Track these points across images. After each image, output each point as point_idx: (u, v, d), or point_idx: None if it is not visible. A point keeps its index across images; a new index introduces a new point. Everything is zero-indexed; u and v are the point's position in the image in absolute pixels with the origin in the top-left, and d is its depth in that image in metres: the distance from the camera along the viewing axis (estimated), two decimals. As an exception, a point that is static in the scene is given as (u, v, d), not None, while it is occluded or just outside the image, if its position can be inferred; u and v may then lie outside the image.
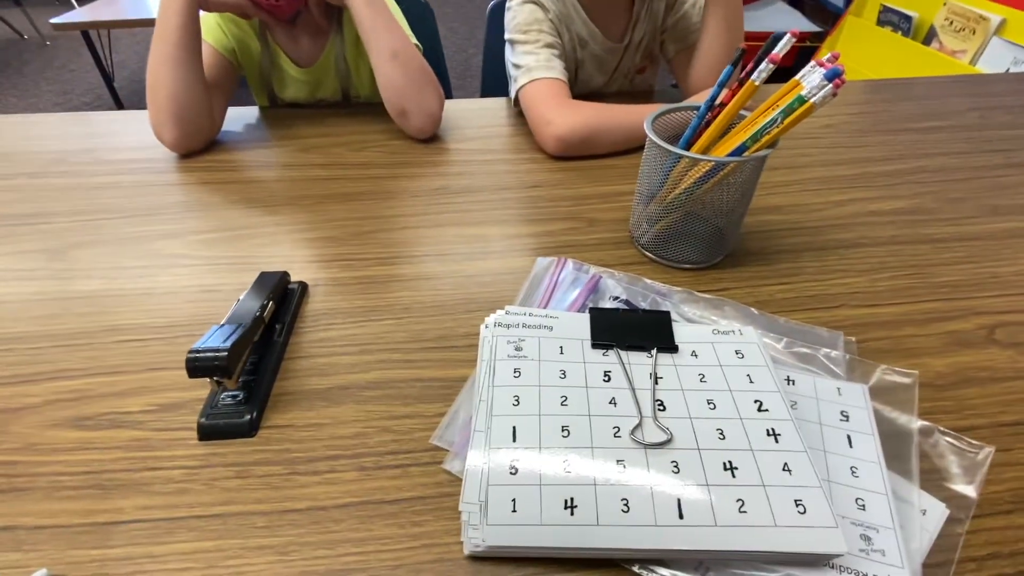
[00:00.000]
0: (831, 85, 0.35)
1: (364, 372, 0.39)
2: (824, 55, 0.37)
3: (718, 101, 0.44)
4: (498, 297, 0.46)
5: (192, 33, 0.63)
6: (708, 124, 0.44)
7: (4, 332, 0.43)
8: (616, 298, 0.43)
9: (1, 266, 0.50)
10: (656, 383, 0.33)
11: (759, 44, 0.40)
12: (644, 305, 0.43)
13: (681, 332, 0.36)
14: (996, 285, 0.46)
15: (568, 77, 0.79)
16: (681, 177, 0.44)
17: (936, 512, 0.31)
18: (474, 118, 0.75)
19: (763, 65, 0.38)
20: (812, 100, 0.36)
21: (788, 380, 0.36)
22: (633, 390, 0.32)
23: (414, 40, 0.72)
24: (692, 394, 0.32)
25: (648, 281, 0.46)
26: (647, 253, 0.50)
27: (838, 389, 0.35)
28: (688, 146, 0.45)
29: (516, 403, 0.32)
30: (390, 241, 0.52)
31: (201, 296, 0.46)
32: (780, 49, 0.39)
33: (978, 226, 0.53)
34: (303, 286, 0.46)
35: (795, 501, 0.27)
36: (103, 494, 0.32)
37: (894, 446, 0.33)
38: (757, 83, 0.39)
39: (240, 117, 0.76)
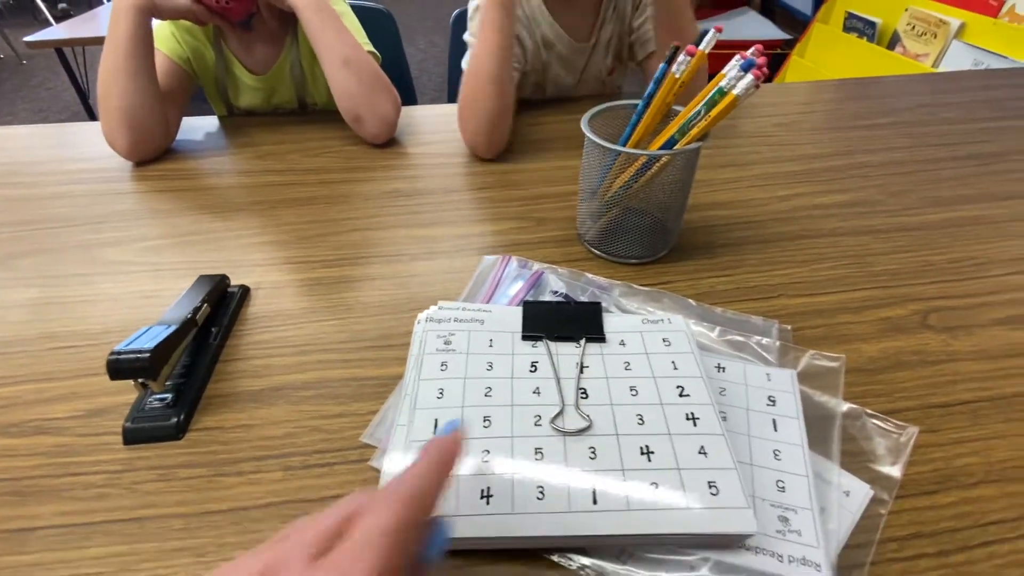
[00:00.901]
0: (751, 76, 0.36)
1: (300, 373, 0.39)
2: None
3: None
4: (442, 295, 0.46)
5: (144, 42, 0.63)
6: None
7: (-66, 342, 0.42)
8: (556, 292, 0.43)
9: (-61, 277, 0.49)
10: (582, 372, 0.33)
11: (730, 52, 0.40)
12: (584, 299, 0.43)
13: (611, 322, 0.36)
14: (932, 272, 0.47)
15: (536, 79, 0.80)
16: (619, 173, 0.44)
17: (860, 493, 0.31)
18: (432, 123, 0.76)
19: (681, 58, 0.39)
20: (732, 92, 0.37)
21: (719, 367, 0.36)
22: (558, 379, 0.32)
23: (369, 47, 0.72)
24: (616, 381, 0.32)
25: (590, 276, 0.46)
26: (592, 249, 0.50)
27: (767, 375, 0.35)
28: (626, 143, 0.46)
29: (440, 396, 0.31)
30: (338, 244, 0.52)
31: (141, 302, 0.46)
32: (706, 44, 0.40)
33: (918, 217, 0.54)
34: (244, 289, 0.46)
35: (708, 483, 0.27)
36: (20, 501, 0.32)
37: (820, 429, 0.33)
38: (677, 76, 0.40)
39: (197, 126, 0.75)
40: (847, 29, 2.05)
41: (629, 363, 0.33)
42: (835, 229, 0.52)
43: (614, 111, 0.48)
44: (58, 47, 2.07)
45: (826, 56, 2.11)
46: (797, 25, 2.42)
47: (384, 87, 0.67)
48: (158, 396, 0.36)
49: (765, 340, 0.38)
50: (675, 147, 0.41)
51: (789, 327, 0.41)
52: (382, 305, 0.45)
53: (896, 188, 0.58)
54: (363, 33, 0.74)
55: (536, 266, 0.47)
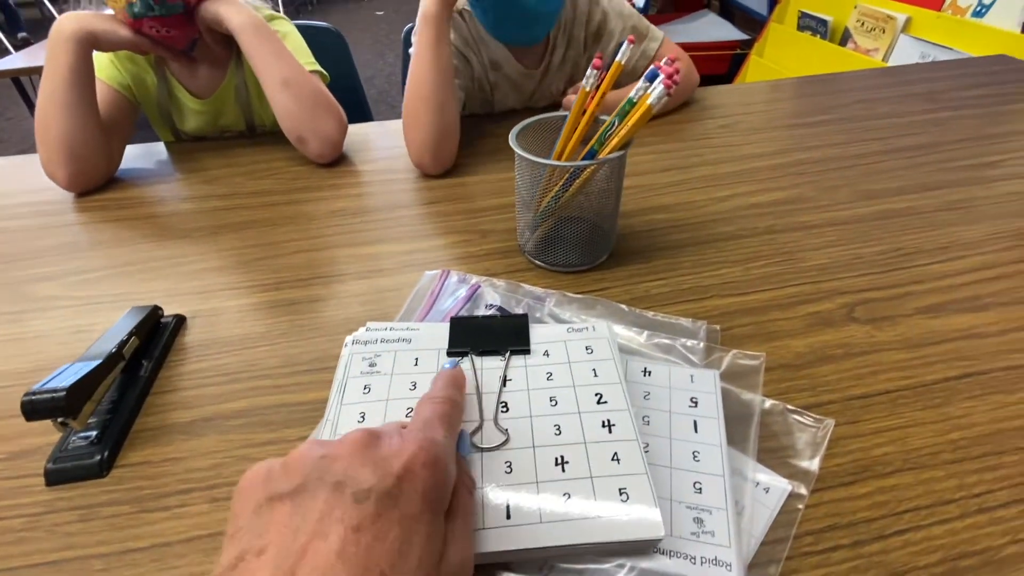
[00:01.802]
0: (662, 85, 0.37)
1: (231, 402, 0.39)
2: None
3: (585, 109, 0.45)
4: (380, 314, 0.46)
5: (83, 73, 0.63)
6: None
7: None
8: (491, 306, 0.44)
9: None
10: (504, 385, 0.33)
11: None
12: (519, 310, 0.43)
13: (538, 333, 0.37)
14: (860, 265, 0.48)
15: (483, 98, 0.80)
16: (549, 185, 0.45)
17: (778, 489, 0.31)
18: (383, 139, 0.76)
19: (590, 72, 0.40)
20: (648, 102, 0.38)
21: (645, 371, 0.36)
22: (479, 395, 0.32)
23: (315, 67, 0.72)
24: (536, 393, 0.32)
25: (527, 287, 0.46)
26: (533, 260, 0.50)
27: (691, 376, 0.36)
28: (559, 155, 0.47)
29: (361, 419, 0.31)
30: (278, 267, 0.52)
31: (72, 337, 0.45)
32: (621, 56, 0.41)
33: (849, 211, 0.56)
34: (179, 319, 0.45)
35: (619, 490, 0.27)
36: (-67, 552, 0.31)
37: (741, 428, 0.34)
38: (587, 88, 0.41)
39: (145, 153, 0.75)
40: (801, 28, 2.10)
41: (551, 373, 0.34)
42: (770, 227, 0.54)
43: (547, 123, 0.48)
44: (14, 76, 2.04)
45: (783, 55, 2.17)
46: (755, 25, 2.48)
47: (327, 106, 0.67)
48: (82, 434, 0.36)
49: (690, 342, 0.39)
50: (596, 157, 0.41)
51: (718, 327, 0.42)
52: (318, 328, 0.44)
53: (830, 184, 0.60)
54: (308, 53, 0.74)
55: (474, 280, 0.47)
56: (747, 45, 2.40)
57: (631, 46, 0.40)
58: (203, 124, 0.76)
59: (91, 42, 0.62)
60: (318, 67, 0.73)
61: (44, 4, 4.24)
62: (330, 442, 0.22)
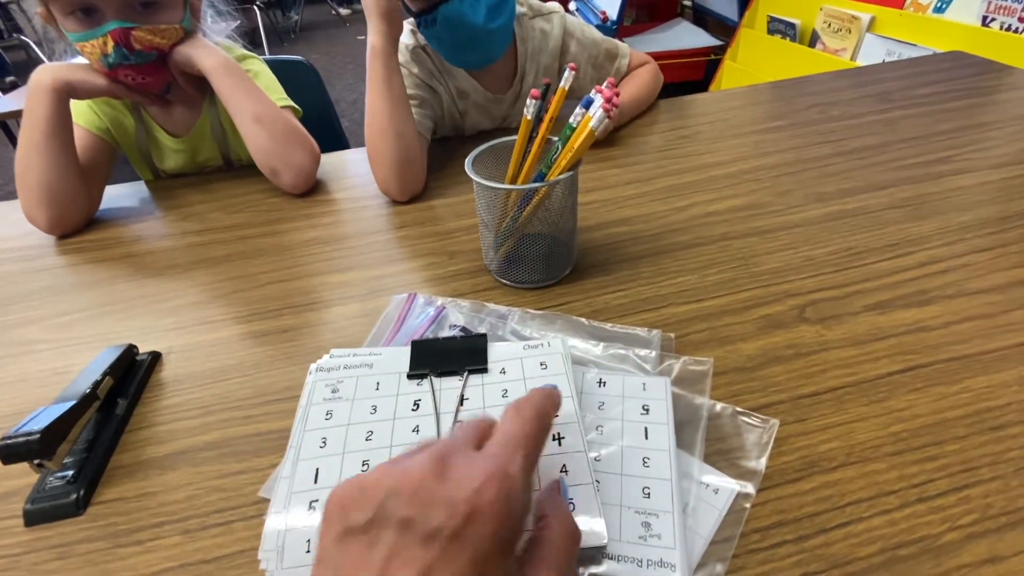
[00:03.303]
0: (601, 110, 0.39)
1: (203, 434, 0.40)
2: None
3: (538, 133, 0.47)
4: (350, 340, 0.47)
5: (61, 120, 0.65)
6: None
7: None
8: (454, 327, 0.45)
9: None
10: (461, 404, 0.34)
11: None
12: (482, 329, 0.45)
13: (496, 351, 0.38)
14: (811, 267, 0.50)
15: (453, 123, 0.83)
16: (505, 207, 0.47)
17: (727, 490, 0.33)
18: (357, 167, 0.78)
19: (529, 102, 0.42)
20: (590, 126, 0.40)
21: (600, 382, 0.38)
22: (437, 415, 0.34)
23: (286, 102, 0.75)
24: (492, 410, 0.34)
25: (491, 305, 0.48)
26: (498, 278, 0.52)
27: (643, 385, 0.37)
28: (512, 178, 0.49)
29: (323, 445, 0.33)
30: (251, 299, 0.53)
31: (52, 379, 0.46)
32: (565, 83, 0.43)
33: (801, 214, 0.58)
34: (155, 356, 0.47)
35: (568, 500, 0.28)
36: (-86, 599, 0.32)
37: (690, 432, 0.35)
38: (529, 117, 0.43)
39: (124, 193, 0.76)
40: (771, 31, 2.15)
41: (507, 390, 0.35)
42: (726, 234, 0.56)
43: (503, 147, 0.50)
44: (1, 120, 2.07)
45: (755, 58, 2.22)
46: (727, 31, 2.54)
47: (298, 139, 0.69)
48: (59, 474, 0.37)
49: (643, 351, 0.40)
50: (546, 179, 0.43)
51: (672, 335, 0.43)
52: (289, 357, 0.46)
53: (784, 188, 0.62)
54: (280, 89, 0.76)
55: (439, 301, 0.49)
56: (720, 51, 2.45)
57: (572, 73, 0.42)
58: (182, 162, 0.79)
59: (67, 91, 0.64)
60: (289, 102, 0.76)
61: (30, 47, 4.30)
62: (401, 467, 0.21)
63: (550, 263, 0.50)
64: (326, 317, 0.50)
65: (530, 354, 0.38)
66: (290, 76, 0.81)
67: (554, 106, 0.44)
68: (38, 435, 0.33)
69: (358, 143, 0.96)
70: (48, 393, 0.45)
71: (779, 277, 0.49)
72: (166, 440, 0.40)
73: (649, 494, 0.31)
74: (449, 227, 0.62)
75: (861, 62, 1.82)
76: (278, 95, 0.75)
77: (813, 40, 2.00)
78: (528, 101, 0.42)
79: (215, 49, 0.68)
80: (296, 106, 0.76)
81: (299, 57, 0.95)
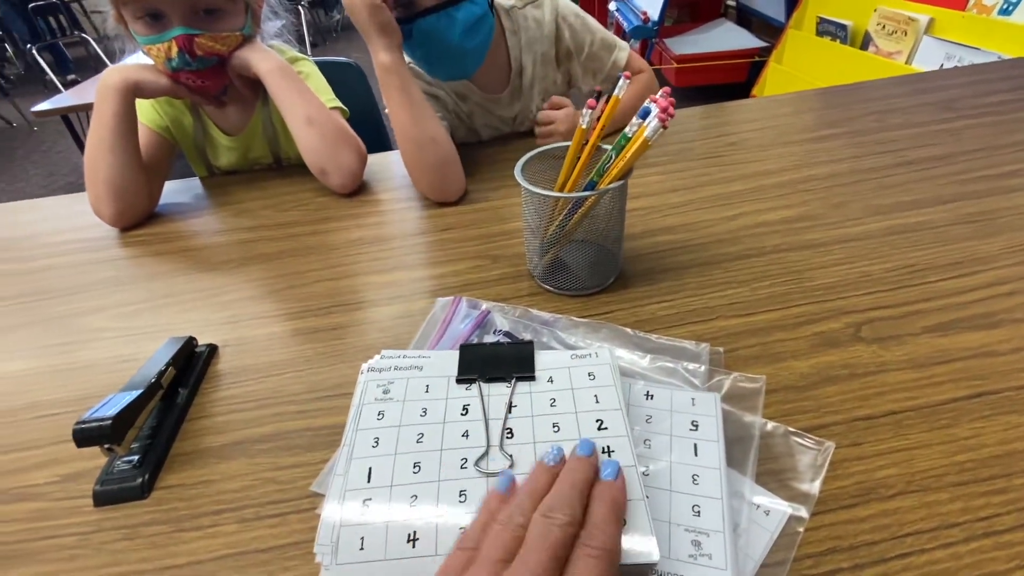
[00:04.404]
0: (656, 120, 0.39)
1: (259, 426, 0.41)
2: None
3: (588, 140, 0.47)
4: (396, 341, 0.48)
5: (128, 119, 0.68)
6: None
7: (-71, 419, 0.46)
8: (500, 331, 0.46)
9: (-64, 355, 0.53)
10: (510, 411, 0.35)
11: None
12: (527, 335, 0.45)
13: (543, 359, 0.38)
14: (867, 283, 0.48)
15: (467, 126, 0.84)
16: (553, 214, 0.47)
17: (779, 512, 0.32)
18: (396, 169, 0.79)
19: (584, 111, 0.42)
20: (644, 135, 0.39)
21: (648, 395, 0.38)
22: (486, 421, 0.34)
23: (336, 103, 0.77)
24: (540, 419, 0.34)
25: (535, 312, 0.48)
26: (542, 284, 0.52)
27: (692, 400, 0.37)
28: (562, 186, 0.49)
29: (375, 445, 0.34)
30: (302, 296, 0.55)
31: (118, 366, 0.49)
32: (619, 91, 0.43)
33: (858, 227, 0.56)
34: (212, 348, 0.49)
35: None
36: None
37: (741, 450, 0.34)
38: (584, 127, 0.43)
39: (180, 188, 0.80)
40: (820, 33, 2.08)
41: (555, 399, 0.35)
42: (777, 246, 0.54)
43: (551, 153, 0.51)
44: (63, 114, 2.19)
45: (802, 61, 2.15)
46: (773, 32, 2.47)
47: (347, 140, 0.71)
48: (125, 458, 0.39)
49: (692, 365, 0.40)
50: (597, 187, 0.43)
51: (721, 349, 0.43)
52: (339, 354, 0.47)
53: (838, 200, 0.60)
54: (329, 91, 0.78)
55: (484, 306, 0.49)
56: (765, 52, 2.39)
57: (627, 81, 0.42)
58: (235, 159, 0.82)
59: (134, 91, 0.68)
60: (338, 103, 0.78)
61: (90, 43, 4.55)
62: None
63: (595, 271, 0.50)
64: (373, 316, 0.52)
65: (578, 364, 0.38)
66: (337, 77, 0.83)
67: (607, 115, 0.43)
68: (110, 421, 0.35)
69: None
70: (114, 379, 0.47)
71: (833, 293, 0.48)
72: (223, 430, 0.42)
73: (699, 512, 0.31)
74: (492, 231, 0.62)
75: (917, 66, 1.74)
76: (327, 96, 0.77)
77: (865, 43, 1.93)
78: (583, 110, 0.42)
79: (270, 53, 0.71)
80: (344, 107, 0.78)
81: (346, 59, 0.97)
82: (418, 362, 0.39)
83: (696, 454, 0.34)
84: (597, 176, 0.42)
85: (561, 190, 0.48)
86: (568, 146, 0.48)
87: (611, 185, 0.43)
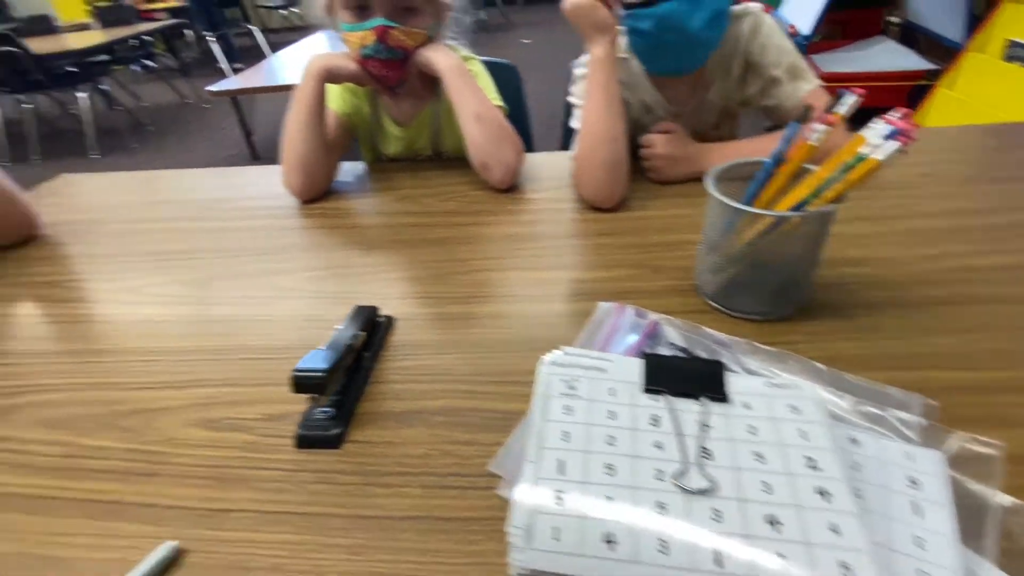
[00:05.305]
0: (896, 142, 0.36)
1: (434, 399, 0.44)
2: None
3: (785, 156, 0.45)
4: (559, 338, 0.48)
5: (321, 102, 0.76)
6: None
7: (156, 346, 0.53)
8: (673, 345, 0.44)
9: (159, 292, 0.62)
10: (703, 431, 0.34)
11: (864, 85, 0.40)
12: (702, 354, 0.43)
13: (734, 383, 0.37)
14: (1123, 354, 0.41)
15: (635, 134, 0.82)
16: (743, 231, 0.45)
17: (1024, 601, 0.28)
18: (548, 170, 0.81)
19: (818, 126, 0.39)
20: (875, 157, 0.36)
21: (852, 440, 0.35)
22: (680, 436, 0.33)
23: (499, 102, 0.80)
24: (740, 445, 0.32)
25: (708, 330, 0.46)
26: (711, 303, 0.50)
27: (907, 453, 0.33)
28: (752, 199, 0.46)
29: (565, 438, 0.34)
30: (465, 282, 0.58)
31: (307, 324, 0.54)
32: (844, 108, 0.40)
33: (1104, 286, 0.47)
34: (390, 319, 0.53)
35: (840, 563, 0.26)
36: (221, 485, 0.39)
37: (972, 523, 0.30)
38: (815, 144, 0.40)
39: (351, 170, 0.87)
40: (1008, 58, 1.82)
41: (755, 427, 0.33)
42: (995, 296, 0.48)
43: (737, 166, 0.48)
44: (233, 95, 2.51)
45: (981, 89, 1.89)
46: (945, 54, 2.20)
47: (509, 138, 0.74)
48: (322, 409, 0.43)
49: (905, 415, 0.36)
50: (807, 208, 0.40)
51: (936, 403, 0.38)
52: (504, 343, 0.49)
53: (1073, 252, 0.52)
54: (494, 89, 0.82)
55: (652, 316, 0.48)
56: (933, 75, 2.13)
57: (858, 98, 0.39)
58: (400, 148, 0.88)
59: (327, 76, 0.75)
60: (501, 101, 0.81)
61: (253, 34, 5.16)
62: None
63: (776, 298, 0.47)
64: (532, 311, 0.53)
65: (776, 393, 0.36)
66: (495, 76, 0.86)
67: (827, 138, 0.40)
68: (325, 373, 0.39)
69: (543, 146, 0.99)
70: (303, 335, 0.53)
71: (1076, 359, 0.41)
72: (403, 397, 0.44)
73: (928, 581, 0.27)
74: (651, 240, 0.61)
75: None
76: (493, 95, 0.80)
77: (1070, 71, 1.65)
78: (816, 126, 0.39)
79: (451, 53, 0.75)
80: (505, 106, 0.81)
81: (506, 60, 1.01)
82: (600, 364, 0.39)
83: (918, 514, 0.30)
84: (813, 196, 0.40)
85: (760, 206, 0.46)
86: (762, 161, 0.46)
87: (824, 208, 0.40)
